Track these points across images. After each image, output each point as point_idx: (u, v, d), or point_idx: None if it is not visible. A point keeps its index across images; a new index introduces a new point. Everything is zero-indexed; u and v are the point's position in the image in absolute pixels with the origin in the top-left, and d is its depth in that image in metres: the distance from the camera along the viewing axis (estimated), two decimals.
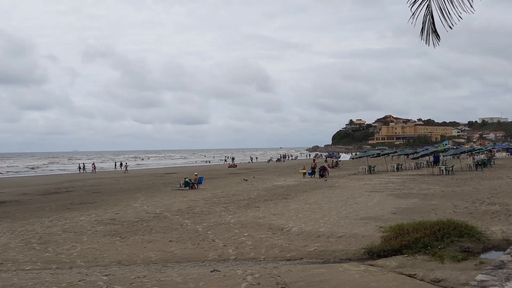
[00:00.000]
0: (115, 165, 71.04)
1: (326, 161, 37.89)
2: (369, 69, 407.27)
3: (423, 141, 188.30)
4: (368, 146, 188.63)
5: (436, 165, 38.92)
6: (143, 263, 9.92)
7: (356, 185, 27.59)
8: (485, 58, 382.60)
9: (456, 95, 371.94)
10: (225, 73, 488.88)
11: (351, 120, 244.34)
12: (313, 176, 35.11)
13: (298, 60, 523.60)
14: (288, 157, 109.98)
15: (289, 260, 10.10)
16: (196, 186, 28.92)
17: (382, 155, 46.87)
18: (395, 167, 42.93)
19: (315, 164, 36.49)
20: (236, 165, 68.48)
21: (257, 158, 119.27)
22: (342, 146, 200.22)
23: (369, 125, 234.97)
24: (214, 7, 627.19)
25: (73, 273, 9.13)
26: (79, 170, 63.25)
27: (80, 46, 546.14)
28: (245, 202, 20.56)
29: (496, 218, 13.87)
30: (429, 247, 10.60)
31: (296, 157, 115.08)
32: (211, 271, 8.70)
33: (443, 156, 43.82)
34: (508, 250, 7.32)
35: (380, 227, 12.88)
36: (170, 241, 12.12)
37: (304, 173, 35.31)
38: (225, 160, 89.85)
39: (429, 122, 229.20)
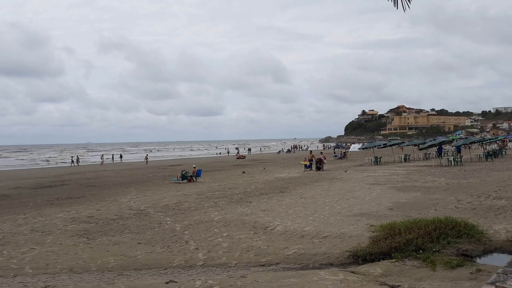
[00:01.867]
0: (112, 157, 69.82)
1: (321, 153, 35.97)
2: (384, 59, 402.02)
3: (436, 131, 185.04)
4: (380, 137, 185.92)
5: (440, 157, 37.33)
6: (97, 271, 8.81)
7: (359, 177, 26.31)
8: (501, 47, 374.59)
9: (471, 84, 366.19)
10: (240, 64, 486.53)
11: (363, 110, 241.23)
12: (310, 169, 33.42)
13: (311, 51, 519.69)
14: (299, 148, 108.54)
15: (263, 265, 8.92)
16: (194, 179, 27.85)
17: (390, 145, 45.32)
18: (403, 158, 41.42)
19: (312, 156, 34.65)
20: (244, 157, 67.37)
21: (269, 147, 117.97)
22: (354, 137, 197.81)
23: (381, 116, 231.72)
24: None
25: (14, 283, 8.04)
26: (72, 163, 60.41)
27: (94, 38, 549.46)
28: (239, 196, 19.41)
29: (501, 215, 12.52)
30: (421, 250, 9.37)
31: (307, 148, 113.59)
32: (166, 282, 7.54)
33: (452, 146, 42.16)
34: None
35: (371, 225, 11.63)
36: (139, 243, 11.00)
37: (306, 165, 33.73)
38: (228, 152, 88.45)
39: (442, 112, 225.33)
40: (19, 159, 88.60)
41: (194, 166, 29.69)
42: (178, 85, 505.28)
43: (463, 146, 44.17)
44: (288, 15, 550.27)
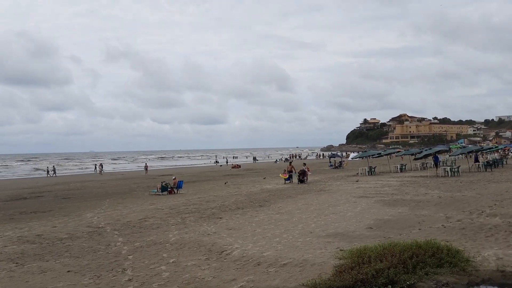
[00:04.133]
0: (95, 167, 67.35)
1: (304, 164, 33.44)
2: (387, 67, 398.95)
3: (438, 140, 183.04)
4: (381, 145, 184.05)
5: (437, 167, 35.78)
6: None
7: (348, 189, 24.68)
8: (504, 55, 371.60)
9: (474, 93, 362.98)
10: (243, 73, 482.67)
11: (365, 119, 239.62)
12: (289, 182, 30.63)
13: (313, 59, 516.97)
14: (297, 157, 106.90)
15: None
16: (174, 191, 26.28)
17: (384, 154, 43.62)
18: (399, 168, 39.76)
19: (292, 168, 31.96)
20: (239, 166, 65.87)
21: (270, 156, 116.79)
22: (355, 146, 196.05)
23: (383, 124, 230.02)
24: (228, 7, 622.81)
25: None
26: (47, 174, 57.33)
27: (100, 47, 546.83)
28: (212, 211, 17.82)
29: (492, 236, 10.87)
30: (393, 284, 7.79)
31: (306, 156, 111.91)
32: None
33: (450, 156, 40.48)
34: None
35: (340, 250, 10.02)
36: (69, 271, 9.42)
37: (285, 178, 30.94)
38: (227, 162, 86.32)
39: (444, 121, 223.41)
40: (19, 168, 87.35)
41: (174, 177, 28.11)
42: (182, 93, 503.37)
43: (463, 155, 42.40)
44: (290, 24, 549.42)
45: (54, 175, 57.08)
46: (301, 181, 29.91)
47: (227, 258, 9.95)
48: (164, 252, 10.85)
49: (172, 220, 15.78)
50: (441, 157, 45.92)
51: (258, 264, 9.31)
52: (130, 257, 10.49)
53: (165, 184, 26.21)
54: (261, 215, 16.22)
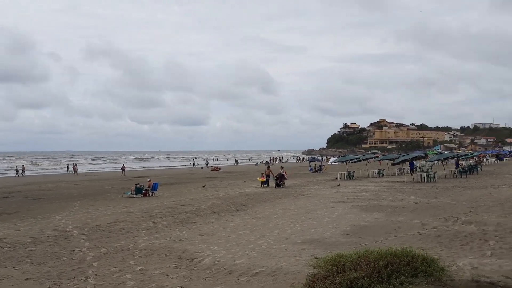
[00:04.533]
0: (67, 167, 66.27)
1: (282, 167, 32.95)
2: (368, 73, 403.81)
3: (416, 145, 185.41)
4: (361, 150, 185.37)
5: (412, 173, 36.02)
6: None
7: (326, 194, 24.47)
8: (482, 64, 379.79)
9: (452, 100, 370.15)
10: (227, 75, 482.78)
11: (345, 123, 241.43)
12: (266, 185, 30.20)
13: (297, 63, 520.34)
14: (278, 160, 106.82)
15: None
16: (149, 193, 25.71)
17: (363, 159, 43.65)
18: (377, 173, 39.81)
19: (269, 172, 31.53)
20: (219, 168, 65.42)
21: (251, 159, 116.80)
22: (336, 150, 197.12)
23: (363, 129, 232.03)
24: (212, 8, 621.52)
25: None
26: (16, 174, 55.65)
27: (79, 44, 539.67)
28: (187, 215, 17.36)
29: (467, 245, 10.68)
30: None
31: (287, 160, 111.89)
32: None
33: (427, 161, 40.71)
34: None
35: (315, 257, 9.70)
36: (27, 279, 8.90)
37: (262, 182, 30.55)
38: (207, 164, 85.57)
39: (422, 127, 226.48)
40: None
41: (149, 179, 27.50)
42: (164, 93, 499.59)
43: (439, 161, 42.73)
44: (274, 27, 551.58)
45: (22, 175, 55.77)
46: (278, 185, 29.44)
47: (197, 266, 9.54)
48: (132, 259, 10.39)
49: (143, 225, 15.28)
50: (418, 163, 46.28)
51: (230, 273, 8.93)
52: (94, 264, 10.00)
53: (140, 186, 25.62)
54: (237, 220, 15.84)
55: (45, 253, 11.18)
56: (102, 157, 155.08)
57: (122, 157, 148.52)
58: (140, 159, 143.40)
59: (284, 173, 30.47)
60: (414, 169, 37.35)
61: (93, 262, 10.15)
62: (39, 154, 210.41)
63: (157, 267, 9.59)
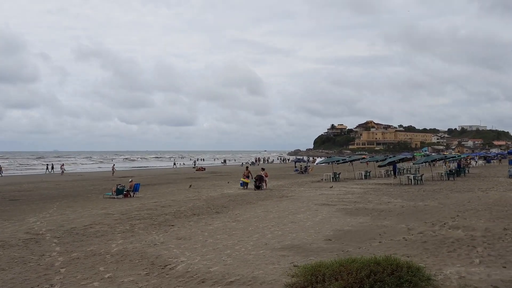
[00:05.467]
0: (47, 167, 65.04)
1: (263, 169, 32.13)
2: (355, 75, 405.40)
3: (403, 147, 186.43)
4: (348, 151, 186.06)
5: (394, 176, 35.97)
6: None
7: (311, 196, 24.05)
8: (469, 67, 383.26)
9: (439, 102, 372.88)
10: (215, 76, 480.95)
11: (332, 124, 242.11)
12: (245, 187, 29.45)
13: (284, 64, 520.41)
14: (264, 160, 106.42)
15: None
16: (131, 194, 25.10)
17: (349, 161, 43.35)
18: (363, 174, 39.53)
19: (248, 173, 30.64)
20: (204, 168, 64.84)
21: (235, 160, 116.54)
22: (323, 151, 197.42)
23: (350, 130, 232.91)
24: (200, 10, 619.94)
25: None
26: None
27: (69, 45, 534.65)
28: (166, 217, 16.81)
29: (455, 252, 10.27)
30: None
31: (272, 160, 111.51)
32: None
33: (414, 164, 40.51)
34: None
35: (294, 265, 9.22)
36: None
37: (243, 183, 29.77)
38: (195, 164, 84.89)
39: (409, 129, 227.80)
40: None
41: (130, 179, 26.87)
42: (152, 94, 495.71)
43: (426, 163, 42.62)
44: (262, 29, 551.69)
45: (1, 175, 54.84)
46: (257, 187, 28.44)
47: (169, 274, 9.01)
48: (102, 265, 9.82)
49: (120, 227, 14.70)
50: (405, 165, 46.13)
51: (203, 282, 8.41)
52: (62, 270, 9.41)
53: (121, 187, 24.99)
54: (216, 223, 15.32)
55: (12, 258, 10.56)
56: (88, 157, 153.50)
57: (110, 158, 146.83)
58: (127, 159, 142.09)
59: (264, 175, 29.68)
60: (398, 171, 37.26)
61: (61, 268, 9.57)
62: (27, 153, 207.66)
63: (127, 274, 9.04)
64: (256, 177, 29.21)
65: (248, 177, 30.05)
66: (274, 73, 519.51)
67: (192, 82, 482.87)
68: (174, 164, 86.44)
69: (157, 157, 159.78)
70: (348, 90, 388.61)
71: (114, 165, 64.31)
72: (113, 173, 53.12)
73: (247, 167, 34.08)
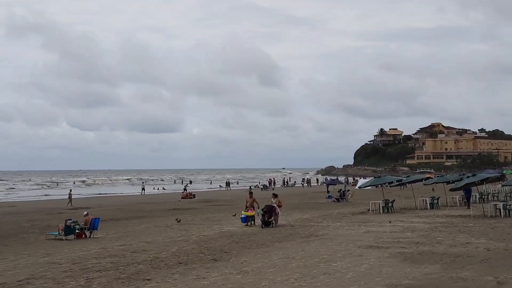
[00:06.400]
0: None
1: (275, 196, 31.41)
2: (415, 57, 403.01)
3: (487, 161, 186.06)
4: (405, 168, 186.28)
5: (468, 204, 36.66)
6: None
7: (351, 234, 24.28)
8: None
9: None
10: (209, 59, 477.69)
11: (381, 129, 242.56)
12: (249, 224, 29.06)
13: (309, 42, 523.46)
14: (284, 182, 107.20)
15: None
16: (86, 233, 25.39)
17: (407, 183, 43.41)
18: (429, 202, 39.59)
19: (253, 201, 30.42)
20: (193, 195, 65.40)
21: (238, 182, 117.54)
22: (367, 168, 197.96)
23: (408, 137, 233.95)
24: None
25: None
26: None
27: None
28: (138, 268, 16.91)
29: None
30: None
31: (294, 183, 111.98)
32: None
33: (503, 186, 40.49)
34: None
35: None
36: None
37: (249, 218, 29.51)
38: (185, 188, 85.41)
39: (496, 135, 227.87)
40: None
41: (85, 213, 27.18)
42: (118, 87, 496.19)
43: None
44: None
45: None
46: (265, 223, 28.00)
47: None
48: None
49: (71, 283, 14.81)
50: (491, 188, 46.00)
51: None
52: None
53: (72, 224, 25.25)
54: (213, 276, 15.38)
55: None
56: (24, 180, 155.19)
57: (56, 181, 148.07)
58: (84, 182, 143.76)
59: (276, 204, 29.58)
60: (480, 196, 37.20)
61: None
62: None
63: None
64: (264, 208, 28.86)
65: (253, 207, 29.93)
66: (294, 55, 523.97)
67: (175, 69, 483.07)
68: (143, 189, 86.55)
69: (127, 179, 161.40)
70: (404, 79, 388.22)
71: (71, 190, 64.67)
72: (69, 203, 53.59)
73: (250, 193, 33.54)
